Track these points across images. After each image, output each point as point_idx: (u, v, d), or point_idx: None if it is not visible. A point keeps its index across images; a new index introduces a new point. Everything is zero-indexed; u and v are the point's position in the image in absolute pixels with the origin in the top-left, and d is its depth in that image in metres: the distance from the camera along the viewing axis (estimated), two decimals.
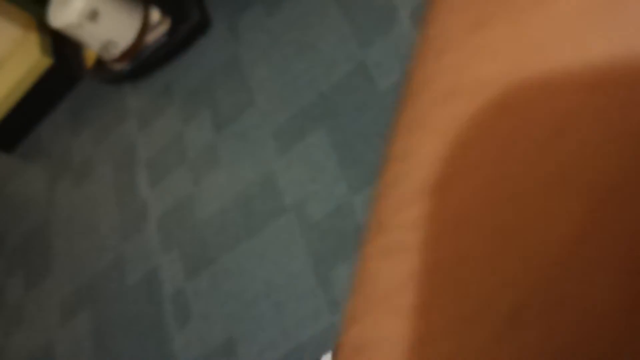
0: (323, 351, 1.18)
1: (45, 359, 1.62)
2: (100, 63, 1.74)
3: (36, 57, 1.88)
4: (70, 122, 1.94)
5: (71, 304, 1.63)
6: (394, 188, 0.13)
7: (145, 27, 1.65)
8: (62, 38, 1.77)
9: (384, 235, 0.13)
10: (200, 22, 1.66)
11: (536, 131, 0.10)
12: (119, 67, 1.71)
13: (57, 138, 1.95)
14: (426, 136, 0.12)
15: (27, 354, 1.67)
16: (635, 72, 0.09)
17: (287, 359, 1.22)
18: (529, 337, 0.09)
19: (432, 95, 0.12)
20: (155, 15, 1.68)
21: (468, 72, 0.11)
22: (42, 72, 1.90)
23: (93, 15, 1.57)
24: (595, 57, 0.10)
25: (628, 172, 0.09)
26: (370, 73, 1.35)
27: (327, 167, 1.34)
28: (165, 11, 1.69)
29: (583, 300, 0.09)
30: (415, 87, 0.13)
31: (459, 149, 0.11)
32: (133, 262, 1.55)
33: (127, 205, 1.65)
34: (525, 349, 0.09)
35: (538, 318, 0.09)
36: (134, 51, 1.67)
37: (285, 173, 1.41)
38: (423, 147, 0.12)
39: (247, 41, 1.60)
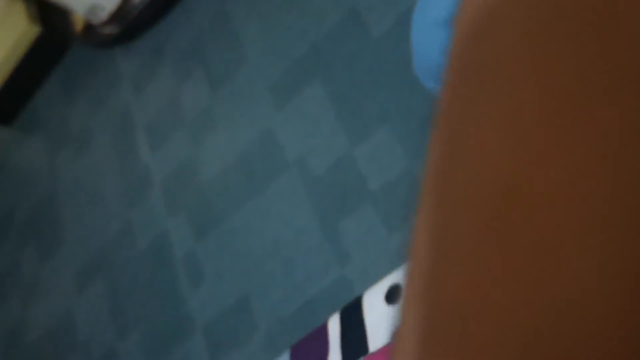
0: (336, 304, 1.20)
1: (66, 326, 1.66)
2: (88, 28, 1.71)
3: (23, 26, 1.84)
4: (64, 91, 1.92)
5: (86, 272, 1.66)
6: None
7: None
8: (48, 5, 1.73)
9: None
10: None
11: None
12: (107, 30, 1.67)
13: (53, 108, 1.94)
14: None
15: (47, 323, 1.71)
16: None
17: (300, 311, 1.25)
18: None
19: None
20: None
21: None
22: (31, 41, 1.87)
23: None
24: None
25: None
26: (362, 19, 1.32)
27: (326, 119, 1.32)
28: None
29: None
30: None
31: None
32: (142, 228, 1.57)
33: (130, 172, 1.65)
34: None
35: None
36: (121, 13, 1.64)
37: (283, 129, 1.39)
38: None
39: None
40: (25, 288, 1.80)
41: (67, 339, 1.64)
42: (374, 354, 0.39)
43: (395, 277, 0.50)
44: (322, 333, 0.52)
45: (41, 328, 1.72)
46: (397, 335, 0.11)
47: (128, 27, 1.66)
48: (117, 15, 1.64)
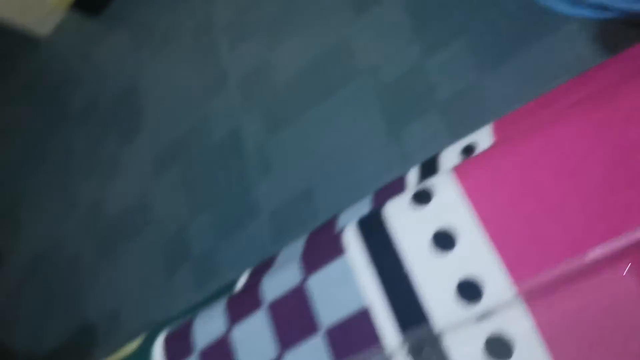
0: None
1: (142, 205, 1.83)
2: None
3: None
4: None
5: (163, 158, 1.81)
6: None
7: None
8: None
9: None
10: None
11: None
12: None
13: (140, 3, 2.04)
14: None
15: (126, 202, 1.88)
16: None
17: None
18: None
19: None
20: None
21: None
22: None
23: None
24: None
25: None
26: None
27: (402, 30, 1.38)
28: None
29: None
30: None
31: None
32: (217, 121, 1.69)
33: (209, 69, 1.76)
34: None
35: None
36: None
37: (359, 36, 1.46)
38: None
39: None
40: (106, 169, 1.97)
41: (142, 216, 1.82)
42: None
43: (470, 138, 0.58)
44: (401, 181, 0.61)
45: (120, 205, 1.90)
46: None
47: None
48: None
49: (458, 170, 0.41)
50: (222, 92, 1.70)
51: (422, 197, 0.41)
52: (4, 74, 2.53)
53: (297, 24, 1.59)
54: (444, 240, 0.40)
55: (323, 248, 0.45)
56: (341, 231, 0.45)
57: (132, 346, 0.64)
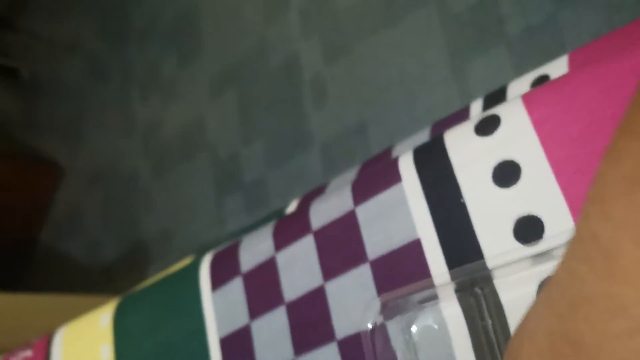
0: None
1: (197, 128, 1.85)
2: None
3: None
4: None
5: (219, 82, 1.81)
6: None
7: None
8: None
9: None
10: None
11: None
12: None
13: None
14: None
15: (182, 124, 1.91)
16: None
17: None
18: None
19: None
20: None
21: None
22: None
23: None
24: None
25: None
26: None
27: None
28: None
29: None
30: None
31: None
32: (275, 46, 1.66)
33: None
34: None
35: None
36: None
37: None
38: None
39: None
40: (164, 90, 1.99)
41: (197, 139, 1.84)
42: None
43: (543, 69, 0.54)
44: (464, 112, 0.58)
45: (175, 127, 1.92)
46: None
47: None
48: None
49: (527, 98, 0.37)
50: (283, 16, 1.66)
51: (487, 126, 0.39)
52: None
53: None
54: (506, 174, 0.37)
55: (376, 175, 0.43)
56: (396, 159, 0.43)
57: (182, 264, 0.65)
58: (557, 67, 0.51)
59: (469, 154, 0.39)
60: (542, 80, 0.51)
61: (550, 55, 1.14)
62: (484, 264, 0.36)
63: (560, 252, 0.34)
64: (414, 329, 0.37)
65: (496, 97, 0.55)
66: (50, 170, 2.27)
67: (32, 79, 2.60)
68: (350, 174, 0.63)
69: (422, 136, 0.60)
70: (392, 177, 0.42)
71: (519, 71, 1.18)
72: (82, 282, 2.11)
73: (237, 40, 1.78)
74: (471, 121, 0.40)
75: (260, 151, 1.64)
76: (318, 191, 0.64)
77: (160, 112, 2.00)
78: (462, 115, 0.58)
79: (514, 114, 0.38)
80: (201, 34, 1.90)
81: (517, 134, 0.37)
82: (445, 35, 1.31)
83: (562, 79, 0.37)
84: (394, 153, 0.60)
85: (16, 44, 2.72)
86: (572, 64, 0.49)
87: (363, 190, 0.43)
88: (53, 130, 2.43)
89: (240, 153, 1.70)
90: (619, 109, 0.34)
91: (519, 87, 0.54)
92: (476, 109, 0.57)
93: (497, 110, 0.39)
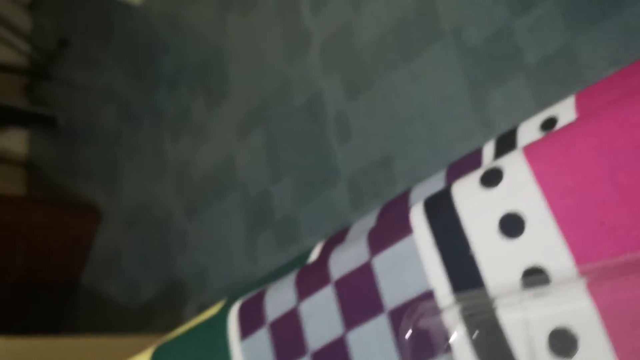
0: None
1: (227, 168, 1.90)
2: None
3: None
4: None
5: (246, 122, 1.86)
6: None
7: None
8: None
9: None
10: None
11: None
12: None
13: None
14: None
15: (212, 164, 1.96)
16: None
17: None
18: None
19: None
20: None
21: None
22: None
23: None
24: None
25: None
26: None
27: None
28: None
29: None
30: None
31: None
32: (299, 85, 1.71)
33: (292, 32, 1.77)
34: None
35: None
36: None
37: None
38: None
39: None
40: (194, 131, 2.05)
41: (227, 179, 1.89)
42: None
43: (551, 110, 0.56)
44: (476, 155, 0.60)
45: (206, 167, 1.98)
46: None
47: None
48: None
49: (528, 151, 0.39)
50: (304, 56, 1.71)
51: (491, 178, 0.41)
52: (103, 40, 2.67)
53: None
54: (511, 226, 0.39)
55: (390, 226, 0.45)
56: (408, 210, 0.45)
57: (213, 310, 0.68)
58: (565, 108, 0.53)
59: (476, 206, 0.41)
60: (550, 122, 0.53)
61: (568, 84, 1.16)
62: (492, 305, 0.37)
63: (564, 300, 0.36)
64: None
65: (507, 138, 0.57)
66: (89, 213, 2.34)
67: (68, 125, 2.71)
68: (371, 218, 0.65)
69: (438, 178, 0.62)
70: (404, 228, 0.44)
71: (538, 100, 1.19)
72: (121, 321, 2.16)
73: (261, 81, 1.83)
74: (476, 173, 0.42)
75: (288, 188, 1.67)
76: (341, 235, 0.67)
77: (191, 154, 2.06)
78: (474, 157, 0.60)
79: (515, 166, 0.40)
80: (227, 77, 1.97)
81: (520, 186, 0.39)
82: (463, 67, 1.33)
83: (560, 131, 0.39)
84: (412, 196, 0.62)
85: (53, 93, 2.85)
86: (578, 104, 0.51)
87: (378, 241, 0.46)
88: (90, 175, 2.52)
89: (269, 190, 1.73)
90: (617, 157, 0.35)
91: (528, 128, 0.56)
92: (488, 151, 0.59)
93: (500, 162, 0.41)
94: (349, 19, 1.61)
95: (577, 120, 0.38)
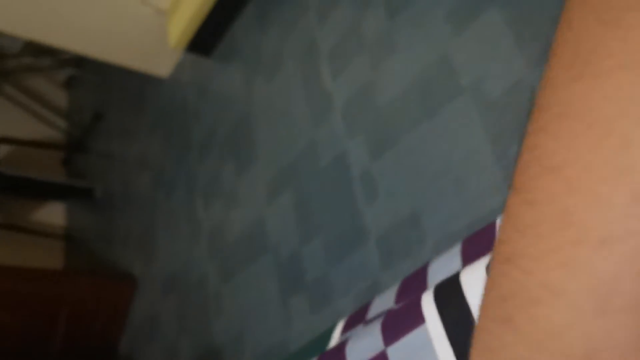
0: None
1: (259, 230, 1.92)
2: None
3: None
4: (257, 23, 2.12)
5: (275, 185, 1.89)
6: None
7: None
8: None
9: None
10: None
11: None
12: None
13: (247, 39, 2.15)
14: None
15: (244, 227, 1.98)
16: None
17: (469, 228, 1.32)
18: None
19: None
20: None
21: None
22: None
23: None
24: None
25: None
26: None
27: (503, 44, 1.33)
28: None
29: None
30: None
31: None
32: (324, 147, 1.73)
33: (314, 96, 1.81)
34: None
35: None
36: None
37: (459, 54, 1.43)
38: None
39: None
40: (225, 196, 2.09)
41: (259, 241, 1.90)
42: None
43: None
44: (491, 228, 0.59)
45: (238, 230, 2.00)
46: None
47: None
48: None
49: None
50: (327, 118, 1.74)
51: None
52: (136, 111, 2.77)
53: (397, 45, 1.59)
54: None
55: (403, 316, 0.45)
56: (420, 299, 0.45)
57: None
58: None
59: None
60: None
61: None
62: None
63: None
64: None
65: None
66: (126, 281, 2.38)
67: (105, 196, 2.79)
68: (390, 294, 0.65)
69: (454, 253, 0.62)
70: (416, 318, 0.44)
71: None
72: None
73: (288, 144, 1.87)
74: (483, 260, 0.42)
75: (319, 249, 1.67)
76: (361, 313, 0.66)
77: (222, 218, 2.09)
78: (489, 230, 0.60)
79: None
80: (255, 141, 2.01)
81: None
82: (484, 122, 1.33)
83: None
84: (429, 271, 0.62)
85: (90, 165, 2.95)
86: None
87: (391, 331, 0.45)
88: (126, 242, 2.57)
89: (300, 252, 1.74)
90: None
91: None
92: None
93: None
94: (369, 78, 1.64)
95: None
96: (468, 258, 0.60)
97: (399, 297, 0.63)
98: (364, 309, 0.68)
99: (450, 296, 0.42)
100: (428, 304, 0.43)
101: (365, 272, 1.53)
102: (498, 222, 0.61)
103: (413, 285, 0.63)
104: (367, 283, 1.52)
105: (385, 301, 0.64)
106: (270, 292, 1.80)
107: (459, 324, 0.41)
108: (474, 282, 0.41)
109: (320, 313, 1.60)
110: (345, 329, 0.66)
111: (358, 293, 1.53)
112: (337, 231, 1.64)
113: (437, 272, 0.61)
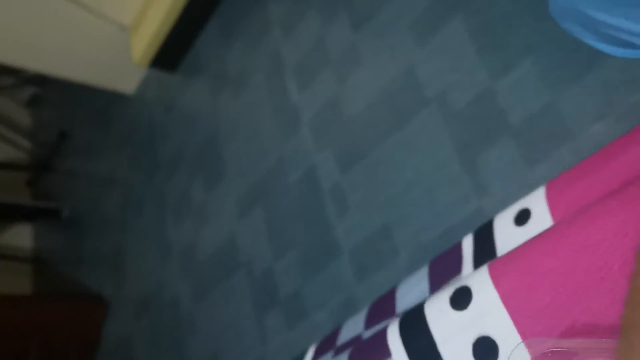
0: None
1: (231, 247, 1.89)
2: None
3: None
4: (222, 38, 2.10)
5: (245, 201, 1.87)
6: None
7: None
8: None
9: None
10: None
11: None
12: None
13: (213, 54, 2.13)
14: None
15: (215, 245, 1.96)
16: None
17: (440, 239, 1.32)
18: None
19: None
20: None
21: None
22: None
23: None
24: None
25: None
26: None
27: (466, 55, 1.34)
28: None
29: None
30: None
31: None
32: (293, 162, 1.72)
33: (282, 110, 1.80)
34: None
35: None
36: None
37: (424, 65, 1.43)
38: None
39: None
40: (195, 213, 2.06)
41: (231, 258, 1.88)
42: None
43: (524, 202, 0.56)
44: (457, 249, 0.59)
45: (210, 248, 1.97)
46: None
47: None
48: None
49: (493, 271, 0.39)
50: (296, 132, 1.73)
51: (461, 299, 0.40)
52: (102, 129, 2.72)
53: (362, 58, 1.59)
54: (484, 350, 0.38)
55: (369, 350, 0.44)
56: (385, 331, 0.44)
57: None
58: (537, 200, 0.53)
59: (449, 330, 0.40)
60: (524, 214, 0.53)
61: (556, 140, 1.16)
62: None
63: None
64: None
65: (484, 233, 0.56)
66: (97, 304, 2.33)
67: (72, 216, 2.73)
68: (359, 318, 0.64)
69: (421, 276, 0.61)
70: (382, 352, 0.43)
71: (528, 159, 1.19)
72: None
73: (257, 159, 1.85)
74: (446, 292, 0.41)
75: (292, 264, 1.66)
76: (331, 338, 0.65)
77: (193, 236, 2.06)
78: (455, 251, 0.59)
79: (483, 287, 0.39)
80: (223, 157, 1.99)
81: (489, 309, 0.38)
82: (451, 132, 1.34)
83: (522, 250, 0.38)
84: (397, 295, 0.61)
85: (56, 185, 2.88)
86: (548, 195, 0.51)
87: None
88: (96, 263, 2.52)
89: (273, 268, 1.72)
90: (580, 278, 0.35)
91: (503, 222, 0.55)
92: (467, 246, 0.58)
93: (468, 281, 0.40)
94: (335, 91, 1.64)
95: (538, 238, 0.37)
96: (435, 279, 0.59)
97: (369, 321, 0.62)
98: (335, 333, 0.67)
99: (415, 329, 0.41)
100: (393, 337, 0.43)
101: (339, 285, 1.52)
102: (464, 242, 0.60)
103: (382, 309, 0.62)
104: (342, 296, 1.51)
105: (355, 325, 0.63)
106: (244, 310, 1.78)
107: (425, 357, 0.40)
108: (438, 315, 0.40)
109: (297, 328, 1.59)
110: (317, 354, 0.65)
111: (333, 307, 1.52)
112: (309, 245, 1.63)
113: (406, 295, 0.60)
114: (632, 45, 0.53)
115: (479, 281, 0.39)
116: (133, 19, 2.18)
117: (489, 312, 0.38)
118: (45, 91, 3.25)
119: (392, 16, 1.53)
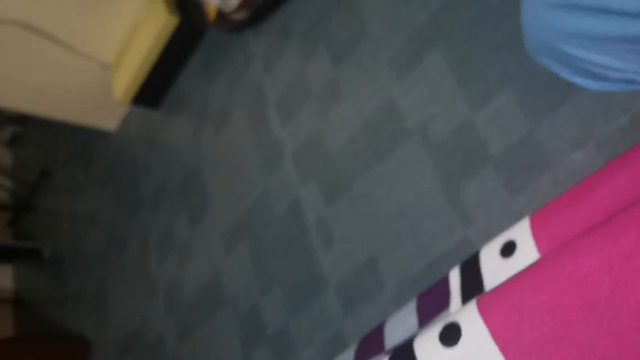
0: (459, 262, 1.26)
1: (216, 283, 1.87)
2: (221, 15, 1.86)
3: (164, 18, 2.04)
4: (203, 74, 2.11)
5: (230, 236, 1.85)
6: None
7: None
8: None
9: None
10: None
11: None
12: (238, 16, 1.82)
13: (194, 90, 2.14)
14: None
15: (200, 281, 1.93)
16: None
17: (426, 270, 1.32)
18: None
19: None
20: None
21: None
22: (171, 31, 2.07)
23: None
24: None
25: None
26: None
27: (446, 87, 1.36)
28: None
29: None
30: None
31: None
32: (277, 195, 1.72)
33: (265, 145, 1.80)
34: None
35: None
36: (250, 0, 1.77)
37: (405, 98, 1.45)
38: None
39: None
40: (180, 249, 2.04)
41: (216, 295, 1.85)
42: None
43: (509, 234, 0.56)
44: (444, 283, 0.59)
45: (195, 284, 1.95)
46: None
47: (256, 12, 1.79)
48: (246, 2, 1.77)
49: (482, 306, 0.39)
50: (279, 166, 1.73)
51: (450, 336, 0.40)
52: (84, 167, 2.71)
53: (343, 92, 1.61)
54: None
55: None
56: None
57: None
58: (521, 231, 0.53)
59: None
60: (509, 246, 0.53)
61: (536, 169, 1.17)
62: None
63: None
64: None
65: (470, 266, 0.57)
66: (79, 345, 2.28)
67: (54, 255, 2.68)
68: (349, 355, 0.63)
69: (409, 310, 0.61)
70: None
71: (511, 188, 1.20)
72: None
73: (241, 193, 1.85)
74: (436, 328, 0.41)
75: (278, 299, 1.64)
76: None
77: (178, 272, 2.03)
78: (442, 285, 0.59)
79: (472, 323, 0.39)
80: (207, 192, 1.98)
81: (479, 345, 0.38)
82: (433, 163, 1.35)
83: (510, 284, 0.38)
84: (385, 330, 0.61)
85: (38, 225, 2.84)
86: (533, 227, 0.51)
87: None
88: (78, 303, 2.47)
89: (259, 304, 1.70)
90: (568, 313, 0.35)
91: (489, 254, 0.55)
92: (454, 279, 0.58)
93: (457, 317, 0.40)
94: (318, 125, 1.65)
95: (525, 273, 0.37)
96: (423, 314, 0.59)
97: (358, 357, 0.61)
98: None
99: None
100: None
101: (326, 320, 1.50)
102: (451, 275, 0.60)
103: (370, 345, 0.62)
104: (329, 331, 1.49)
105: None
106: (231, 347, 1.75)
107: None
108: (428, 353, 0.40)
109: None
110: None
111: (322, 341, 1.50)
112: (295, 280, 1.61)
113: (394, 330, 0.60)
114: (607, 78, 0.55)
115: (468, 317, 0.39)
116: (114, 56, 2.19)
117: (479, 349, 0.38)
118: (26, 130, 3.23)
119: (372, 50, 1.55)
